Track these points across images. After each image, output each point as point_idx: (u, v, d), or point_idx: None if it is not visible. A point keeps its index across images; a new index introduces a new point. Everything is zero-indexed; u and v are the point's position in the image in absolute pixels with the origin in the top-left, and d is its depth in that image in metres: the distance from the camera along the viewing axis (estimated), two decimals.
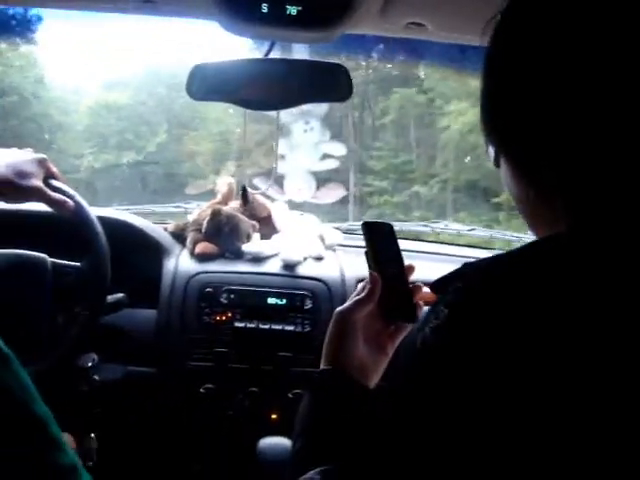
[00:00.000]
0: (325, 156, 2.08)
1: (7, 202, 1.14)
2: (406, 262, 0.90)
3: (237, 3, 1.10)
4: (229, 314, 1.47)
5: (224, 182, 1.82)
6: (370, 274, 0.86)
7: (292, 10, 1.11)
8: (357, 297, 0.85)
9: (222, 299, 1.48)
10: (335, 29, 1.16)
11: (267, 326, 1.46)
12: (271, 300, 1.48)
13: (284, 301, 1.48)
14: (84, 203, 1.29)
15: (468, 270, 0.54)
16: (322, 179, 2.05)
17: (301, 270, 1.55)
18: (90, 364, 1.37)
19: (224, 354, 1.45)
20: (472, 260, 0.56)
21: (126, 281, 1.49)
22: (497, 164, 0.63)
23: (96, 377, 1.40)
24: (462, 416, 0.47)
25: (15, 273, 1.27)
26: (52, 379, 1.29)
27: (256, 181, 1.95)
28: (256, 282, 1.51)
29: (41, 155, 1.16)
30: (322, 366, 0.85)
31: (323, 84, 1.31)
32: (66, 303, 1.30)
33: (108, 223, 1.49)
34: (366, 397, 0.77)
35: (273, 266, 1.56)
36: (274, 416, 1.46)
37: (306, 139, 2.06)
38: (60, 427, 1.23)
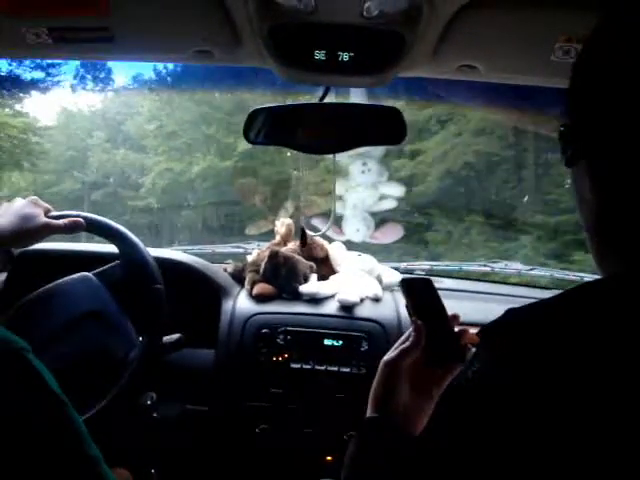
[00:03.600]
0: (383, 197, 2.09)
1: (26, 246, 1.20)
2: (463, 303, 0.91)
3: (290, 51, 1.13)
4: (285, 355, 1.48)
5: (282, 223, 1.84)
6: (414, 323, 0.86)
7: (345, 56, 1.13)
8: (402, 346, 0.86)
9: (279, 340, 1.49)
10: (388, 74, 1.18)
11: (323, 367, 1.46)
12: (327, 341, 1.49)
13: (340, 342, 1.48)
14: (141, 245, 1.35)
15: (511, 317, 0.54)
16: (380, 219, 2.06)
17: (358, 311, 1.55)
18: (149, 402, 1.40)
19: (280, 395, 1.46)
20: (517, 305, 0.55)
21: (185, 321, 1.53)
22: (570, 165, 0.61)
23: (155, 414, 1.42)
24: (499, 461, 0.46)
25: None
26: (114, 416, 1.32)
27: (314, 222, 1.97)
28: (313, 323, 1.52)
29: (32, 197, 1.25)
30: (368, 413, 0.85)
31: (377, 128, 1.32)
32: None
33: (168, 264, 1.54)
34: (412, 444, 0.77)
35: (330, 307, 1.57)
36: (329, 458, 1.46)
37: (364, 180, 2.07)
38: (121, 463, 1.26)
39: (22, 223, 1.16)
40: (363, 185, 2.06)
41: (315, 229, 1.83)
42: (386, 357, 0.88)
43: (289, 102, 1.35)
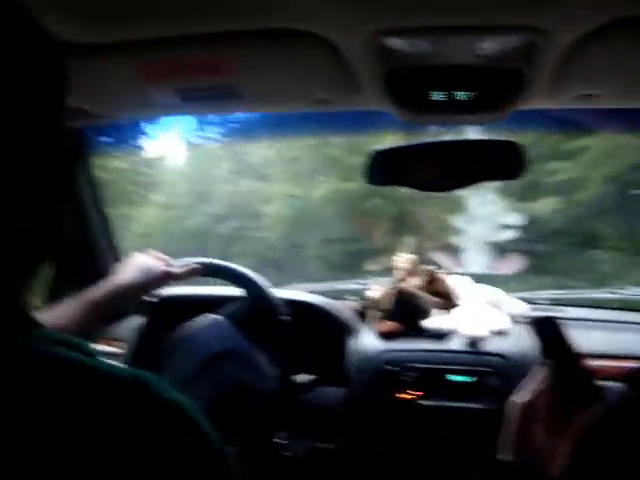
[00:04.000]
0: (503, 227, 2.06)
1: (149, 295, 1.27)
2: (592, 334, 0.88)
3: (408, 93, 1.16)
4: (413, 392, 1.48)
5: (402, 259, 1.85)
6: (545, 362, 0.85)
7: (463, 96, 1.14)
8: (533, 386, 0.84)
9: (405, 377, 1.49)
10: (507, 110, 1.18)
11: (451, 404, 1.45)
12: (454, 377, 1.47)
13: (467, 378, 1.46)
14: (260, 281, 1.46)
15: None
16: (501, 249, 2.03)
17: (484, 345, 1.52)
18: (281, 440, 1.43)
19: (408, 433, 1.46)
20: None
21: (313, 360, 1.56)
22: None
23: (286, 453, 1.45)
24: None
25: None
26: (248, 455, 1.37)
27: (434, 255, 1.97)
28: (439, 359, 1.51)
29: (152, 251, 1.36)
30: (500, 455, 0.84)
31: (497, 162, 1.31)
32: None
33: (293, 305, 1.59)
34: None
35: (455, 342, 1.55)
36: None
37: (482, 211, 2.06)
38: None
39: (144, 276, 1.27)
40: (482, 217, 2.04)
41: (434, 262, 1.82)
42: (516, 398, 0.86)
43: (407, 140, 1.36)
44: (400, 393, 1.49)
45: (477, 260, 1.98)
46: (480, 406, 1.43)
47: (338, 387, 1.56)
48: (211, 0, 0.93)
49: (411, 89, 1.14)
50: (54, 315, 1.13)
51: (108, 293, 1.20)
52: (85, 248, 1.81)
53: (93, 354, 0.57)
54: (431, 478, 1.45)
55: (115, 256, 1.85)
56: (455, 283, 1.76)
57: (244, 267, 1.50)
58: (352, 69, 1.13)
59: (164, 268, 1.30)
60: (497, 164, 1.32)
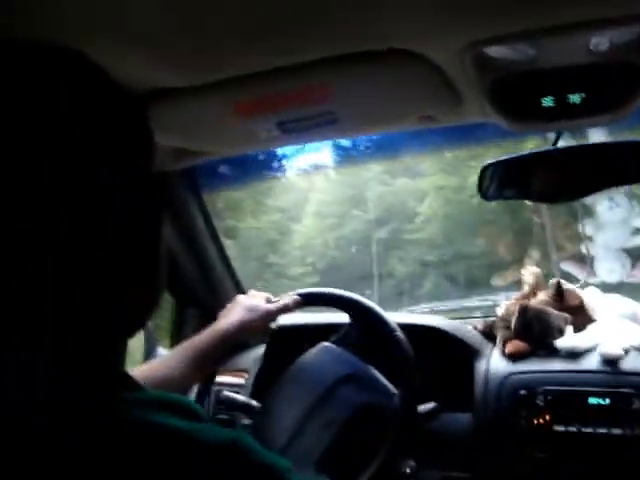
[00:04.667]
0: (636, 231, 1.91)
1: (254, 335, 1.29)
2: None
3: (515, 102, 1.09)
4: (547, 417, 1.38)
5: (530, 272, 1.75)
6: None
7: (575, 98, 1.06)
8: None
9: (538, 401, 1.39)
10: (626, 108, 1.08)
11: (590, 430, 1.33)
12: (592, 400, 1.36)
13: (607, 401, 1.34)
14: (365, 301, 1.44)
15: None
16: (637, 256, 1.88)
17: (623, 364, 1.39)
18: (409, 470, 1.38)
19: (545, 460, 1.36)
20: None
21: (439, 385, 1.50)
22: None
23: None
24: None
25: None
26: None
27: (563, 266, 1.85)
28: (574, 381, 1.40)
29: (251, 290, 1.41)
30: None
31: (620, 166, 1.21)
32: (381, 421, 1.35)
33: (416, 331, 1.54)
34: None
35: (591, 362, 1.43)
36: None
37: (613, 216, 1.91)
38: None
39: (247, 314, 1.28)
40: (612, 222, 1.90)
41: (565, 273, 1.71)
42: None
43: (520, 151, 1.28)
44: (534, 418, 1.39)
45: (611, 269, 1.84)
46: (624, 431, 1.31)
47: (463, 413, 1.49)
48: (302, 29, 0.91)
49: (518, 97, 1.08)
50: (160, 366, 1.16)
51: (213, 339, 1.22)
52: (207, 286, 1.85)
53: (197, 414, 0.56)
54: None
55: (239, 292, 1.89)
56: (588, 296, 1.64)
57: (354, 293, 1.48)
58: (454, 83, 1.08)
59: (265, 306, 1.30)
60: (620, 168, 1.22)
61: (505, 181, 1.32)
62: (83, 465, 0.46)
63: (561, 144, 1.25)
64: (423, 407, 1.35)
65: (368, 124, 1.29)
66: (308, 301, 1.41)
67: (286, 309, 1.35)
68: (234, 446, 0.51)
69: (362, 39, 0.95)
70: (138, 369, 1.15)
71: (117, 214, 0.53)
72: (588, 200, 1.94)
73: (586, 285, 1.73)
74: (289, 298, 1.37)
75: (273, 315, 1.32)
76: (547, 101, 1.07)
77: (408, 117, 1.22)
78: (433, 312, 2.02)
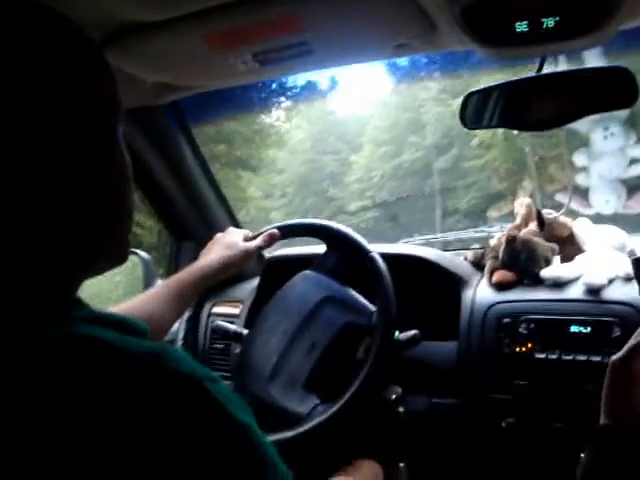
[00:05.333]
0: (633, 161, 1.88)
1: (233, 273, 1.33)
2: None
3: (488, 28, 1.07)
4: (529, 345, 1.40)
5: (522, 203, 1.75)
6: None
7: (550, 22, 1.03)
8: (633, 342, 0.76)
9: (521, 329, 1.41)
10: (604, 31, 1.06)
11: (570, 357, 1.35)
12: (574, 328, 1.37)
13: (588, 329, 1.36)
14: (338, 225, 1.45)
15: None
16: (633, 186, 1.85)
17: (607, 293, 1.40)
18: (395, 396, 1.41)
19: (525, 387, 1.39)
20: None
21: (425, 315, 1.52)
22: None
23: (401, 409, 1.44)
24: None
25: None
26: (360, 413, 1.37)
27: (558, 198, 1.84)
28: (556, 310, 1.41)
29: (229, 228, 1.41)
30: (602, 420, 0.78)
31: (604, 91, 1.19)
32: (362, 341, 1.38)
33: (401, 261, 1.55)
34: None
35: (575, 291, 1.44)
36: (582, 455, 1.35)
37: (608, 146, 1.88)
38: (370, 456, 1.31)
39: (225, 252, 1.29)
40: (608, 152, 1.87)
41: (559, 205, 1.70)
42: (615, 356, 0.79)
43: (504, 78, 1.26)
44: (517, 346, 1.41)
45: (607, 199, 1.82)
46: (603, 359, 1.33)
47: (449, 341, 1.51)
48: None
49: (492, 23, 1.06)
50: (143, 301, 1.18)
51: (193, 277, 1.23)
52: (200, 219, 1.88)
53: (137, 330, 0.60)
54: (551, 434, 1.37)
55: (233, 223, 1.91)
56: (578, 227, 1.64)
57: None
58: (425, 10, 1.06)
59: (242, 244, 1.32)
60: (604, 93, 1.20)
61: (488, 109, 1.30)
62: (21, 373, 0.50)
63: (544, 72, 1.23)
64: (404, 334, 1.37)
65: (344, 54, 1.27)
66: (285, 234, 1.42)
67: (264, 245, 1.36)
68: (155, 356, 0.54)
69: None
70: (120, 306, 1.17)
71: (53, 153, 0.55)
72: (582, 129, 1.91)
73: (581, 216, 1.72)
74: (266, 233, 1.38)
75: (251, 251, 1.33)
76: (521, 26, 1.05)
77: (383, 46, 1.20)
78: (428, 243, 2.03)
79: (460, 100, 1.33)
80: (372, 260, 1.36)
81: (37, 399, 0.50)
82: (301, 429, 1.28)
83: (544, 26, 1.04)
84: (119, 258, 0.68)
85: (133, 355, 0.54)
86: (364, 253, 1.38)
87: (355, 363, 1.36)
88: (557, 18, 1.02)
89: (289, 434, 1.27)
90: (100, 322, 0.57)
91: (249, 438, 0.54)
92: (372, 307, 1.39)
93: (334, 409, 1.28)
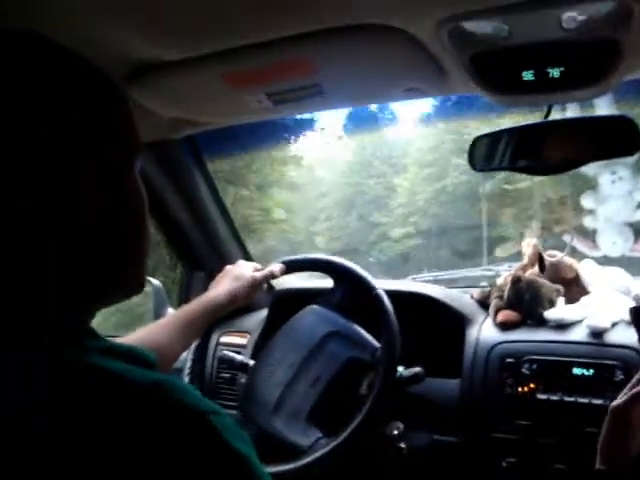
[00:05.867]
0: None
1: (243, 304, 1.36)
2: None
3: (496, 76, 1.10)
4: (531, 385, 1.41)
5: (528, 244, 1.77)
6: None
7: (555, 72, 1.07)
8: (634, 390, 0.78)
9: (524, 369, 1.42)
10: (608, 81, 1.09)
11: (572, 399, 1.36)
12: (576, 371, 1.38)
13: (591, 372, 1.37)
14: (346, 263, 1.49)
15: None
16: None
17: (610, 337, 1.41)
18: (396, 432, 1.43)
19: (527, 427, 1.39)
20: None
21: (428, 352, 1.54)
22: None
23: (402, 445, 1.45)
24: None
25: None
26: (362, 448, 1.38)
27: (566, 238, 1.86)
28: (560, 351, 1.42)
29: (239, 260, 1.45)
30: (597, 464, 0.79)
31: (608, 139, 1.22)
32: (366, 376, 1.40)
33: (407, 298, 1.58)
34: None
35: (579, 333, 1.46)
36: None
37: (616, 190, 1.90)
38: None
39: (234, 284, 1.32)
40: (615, 195, 1.89)
41: (571, 248, 1.72)
42: (615, 402, 0.80)
43: (511, 124, 1.30)
44: (519, 386, 1.42)
45: (614, 242, 1.83)
46: (605, 402, 1.33)
47: (452, 379, 1.52)
48: (284, 4, 0.94)
49: (499, 71, 1.09)
50: (152, 331, 1.21)
51: (201, 309, 1.26)
52: (212, 250, 1.91)
53: (146, 361, 0.63)
54: (553, 475, 1.37)
55: (244, 256, 1.95)
56: (584, 268, 1.66)
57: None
58: (435, 57, 1.10)
59: (252, 274, 1.35)
60: (608, 141, 1.23)
61: (496, 153, 1.33)
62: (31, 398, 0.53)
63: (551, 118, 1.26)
64: (407, 371, 1.39)
65: (355, 96, 1.32)
66: (291, 268, 1.45)
67: (271, 276, 1.39)
68: (158, 387, 0.56)
69: (340, 15, 0.98)
70: (130, 335, 1.20)
71: (62, 190, 0.58)
72: (590, 172, 1.93)
73: (587, 258, 1.74)
74: (274, 265, 1.41)
75: (259, 283, 1.36)
76: (527, 75, 1.08)
77: (394, 90, 1.24)
78: (436, 280, 2.05)
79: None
80: (377, 297, 1.39)
81: (43, 421, 0.52)
82: (303, 462, 1.29)
83: (550, 76, 1.07)
84: (135, 287, 0.70)
85: (138, 385, 0.56)
86: (369, 290, 1.41)
87: (358, 398, 1.38)
88: (562, 68, 1.05)
89: (291, 466, 1.29)
90: (111, 353, 0.60)
91: (248, 469, 0.56)
92: (377, 343, 1.41)
93: (336, 443, 1.30)
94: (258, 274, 1.36)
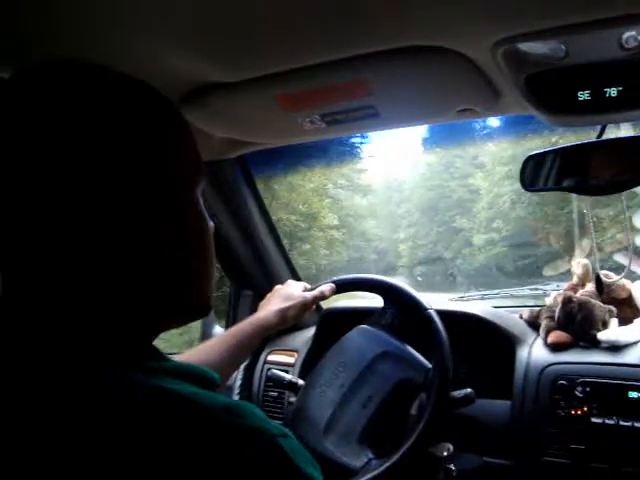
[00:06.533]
0: None
1: (292, 323, 1.36)
2: None
3: (551, 97, 1.10)
4: (585, 408, 1.38)
5: (579, 263, 1.75)
6: None
7: (612, 92, 1.06)
8: None
9: (577, 392, 1.40)
10: None
11: (629, 423, 1.33)
12: (632, 394, 1.35)
13: None
14: (397, 283, 1.49)
15: None
16: None
17: None
18: (445, 454, 1.41)
19: (581, 451, 1.37)
20: None
21: (479, 372, 1.53)
22: None
23: (452, 467, 1.43)
24: None
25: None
26: (411, 469, 1.37)
27: (617, 257, 1.83)
28: (614, 374, 1.40)
29: (289, 280, 1.47)
30: None
31: None
32: (417, 398, 1.39)
33: (457, 318, 1.57)
34: None
35: (633, 355, 1.43)
36: None
37: None
38: None
39: (283, 304, 1.34)
40: None
41: (616, 267, 1.69)
42: None
43: (564, 143, 1.29)
44: (572, 409, 1.40)
45: None
46: None
47: (503, 400, 1.51)
48: (338, 27, 0.95)
49: (554, 92, 1.09)
50: (201, 353, 1.22)
51: (251, 329, 1.27)
52: (261, 270, 1.93)
53: (210, 382, 0.64)
54: None
55: (293, 276, 1.96)
56: (637, 289, 1.63)
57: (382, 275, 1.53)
58: (490, 78, 1.10)
59: (301, 294, 1.36)
60: None
61: (547, 173, 1.32)
62: (93, 422, 0.54)
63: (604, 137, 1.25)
64: (458, 392, 1.38)
65: (409, 117, 1.32)
66: (341, 288, 1.46)
67: (321, 297, 1.40)
68: (229, 411, 0.57)
69: (395, 37, 0.99)
70: (180, 356, 1.21)
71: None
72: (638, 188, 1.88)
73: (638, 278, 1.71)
74: (325, 286, 1.42)
75: (309, 303, 1.36)
76: (584, 95, 1.07)
77: (447, 111, 1.24)
78: (484, 299, 2.03)
79: None
80: (429, 317, 1.38)
81: (113, 444, 0.53)
82: None
83: (607, 95, 1.06)
84: (201, 310, 0.71)
85: (209, 409, 0.56)
86: (421, 310, 1.40)
87: (409, 419, 1.37)
88: (620, 87, 1.05)
89: None
90: (176, 374, 0.61)
91: None
92: (428, 364, 1.40)
93: (388, 464, 1.29)
94: (308, 294, 1.36)
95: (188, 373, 0.63)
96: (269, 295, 1.39)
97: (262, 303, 1.38)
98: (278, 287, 1.41)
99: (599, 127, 1.26)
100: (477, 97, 1.18)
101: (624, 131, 1.54)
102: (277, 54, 1.05)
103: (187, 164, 0.67)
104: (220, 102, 1.20)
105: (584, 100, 1.08)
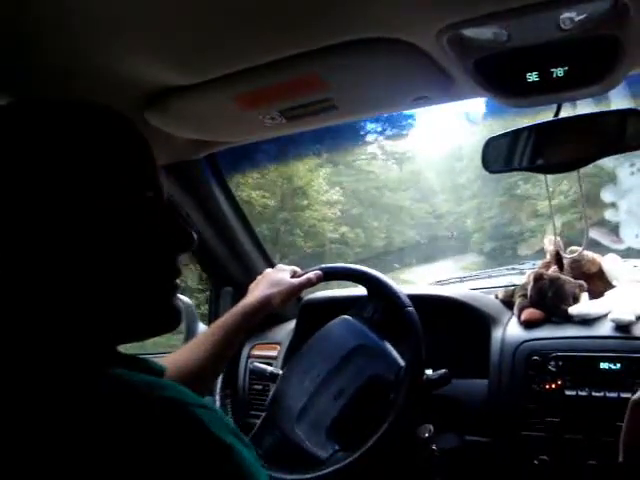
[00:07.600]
0: None
1: (281, 307, 1.36)
2: None
3: (501, 79, 1.12)
4: (559, 382, 1.41)
5: (550, 241, 1.77)
6: None
7: (559, 72, 1.08)
8: None
9: (550, 367, 1.43)
10: (613, 77, 1.10)
11: (601, 394, 1.36)
12: (603, 365, 1.38)
13: (618, 366, 1.37)
14: (383, 277, 1.50)
15: None
16: None
17: (636, 330, 1.41)
18: (427, 434, 1.44)
19: (556, 424, 1.40)
20: None
21: (455, 353, 1.56)
22: None
23: (434, 447, 1.46)
24: None
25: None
26: (394, 451, 1.40)
27: (591, 234, 1.86)
28: (586, 347, 1.43)
29: (278, 265, 1.46)
30: (620, 458, 0.80)
31: (618, 133, 1.23)
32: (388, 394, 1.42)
33: (432, 302, 1.60)
34: None
35: (604, 328, 1.46)
36: None
37: (635, 181, 1.89)
38: None
39: (271, 289, 1.33)
40: (636, 187, 1.88)
41: (590, 243, 1.72)
42: (635, 396, 0.81)
43: (523, 124, 1.31)
44: (546, 383, 1.43)
45: (637, 234, 1.83)
46: (633, 395, 1.33)
47: (479, 379, 1.54)
48: (292, 23, 0.97)
49: (503, 75, 1.11)
50: (190, 352, 1.21)
51: (239, 318, 1.26)
52: (238, 265, 1.96)
53: (157, 371, 0.67)
54: (585, 471, 1.37)
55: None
56: (607, 263, 1.66)
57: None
58: (441, 66, 1.12)
59: (290, 280, 1.37)
60: (619, 135, 1.24)
61: (508, 154, 1.35)
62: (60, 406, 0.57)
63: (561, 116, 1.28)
64: (435, 373, 1.41)
65: (366, 108, 1.35)
66: (328, 276, 1.47)
67: (309, 284, 1.40)
68: (149, 384, 0.60)
69: (346, 29, 1.01)
70: (166, 357, 1.20)
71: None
72: (609, 165, 1.92)
73: (611, 252, 1.74)
74: (312, 273, 1.43)
75: (297, 289, 1.37)
76: (532, 76, 1.10)
77: (403, 99, 1.26)
78: (461, 282, 2.06)
79: None
80: (407, 315, 1.41)
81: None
82: (318, 473, 1.31)
83: (554, 75, 1.08)
84: (162, 325, 0.72)
85: (133, 385, 0.60)
86: (401, 307, 1.42)
87: (379, 413, 1.38)
88: (566, 67, 1.07)
89: (307, 476, 1.31)
90: (128, 365, 0.65)
91: (231, 458, 0.57)
92: (402, 362, 1.43)
93: (352, 458, 1.32)
94: (296, 280, 1.37)
95: (137, 364, 0.69)
96: (259, 277, 1.40)
97: (251, 286, 1.38)
98: (269, 271, 1.42)
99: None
100: (430, 85, 1.20)
101: (586, 108, 1.56)
102: (232, 54, 1.06)
103: (141, 177, 0.69)
104: (182, 104, 1.22)
105: (533, 81, 1.10)
